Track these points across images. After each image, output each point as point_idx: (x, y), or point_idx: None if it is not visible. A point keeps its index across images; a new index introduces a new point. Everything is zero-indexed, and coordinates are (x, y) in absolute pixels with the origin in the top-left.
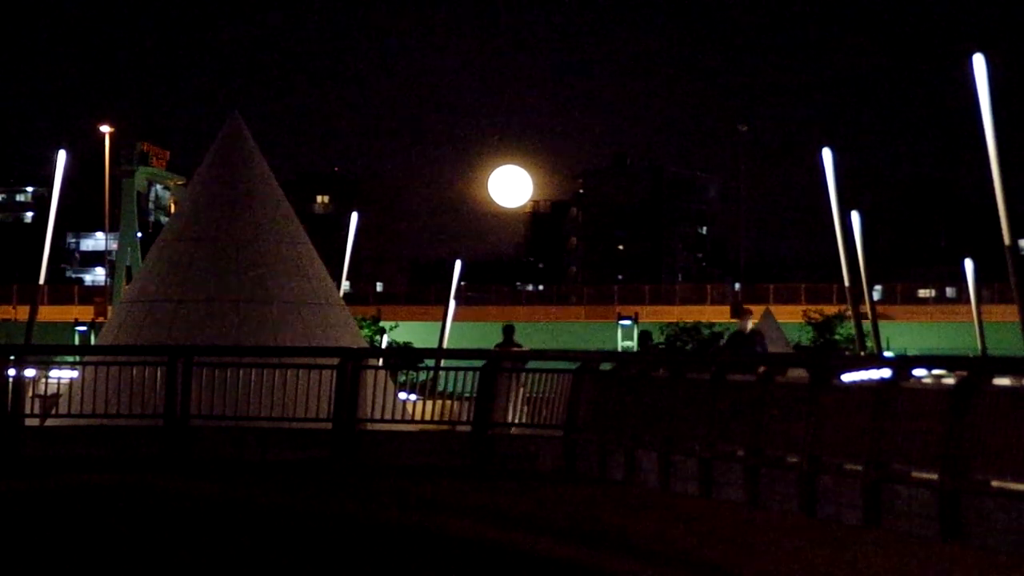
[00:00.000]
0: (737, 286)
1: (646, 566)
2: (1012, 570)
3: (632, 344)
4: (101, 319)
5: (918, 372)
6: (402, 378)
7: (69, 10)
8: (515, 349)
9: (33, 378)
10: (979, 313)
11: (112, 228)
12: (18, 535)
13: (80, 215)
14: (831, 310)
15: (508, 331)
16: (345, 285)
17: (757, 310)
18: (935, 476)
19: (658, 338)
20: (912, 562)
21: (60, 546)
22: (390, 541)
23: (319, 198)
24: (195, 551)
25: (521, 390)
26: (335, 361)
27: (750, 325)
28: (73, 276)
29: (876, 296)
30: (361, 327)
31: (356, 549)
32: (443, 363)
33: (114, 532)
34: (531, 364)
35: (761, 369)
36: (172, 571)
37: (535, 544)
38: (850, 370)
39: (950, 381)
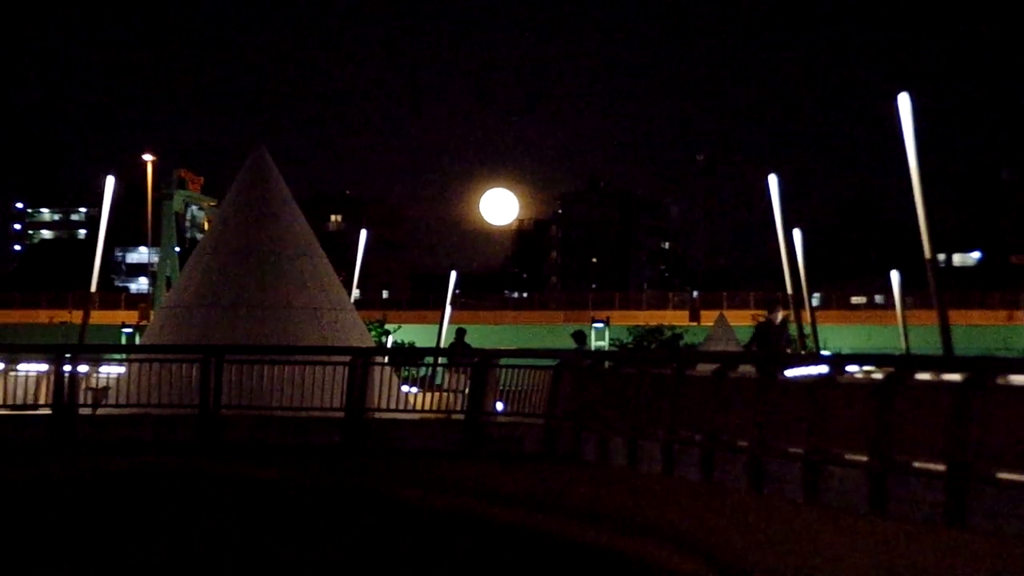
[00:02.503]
0: (695, 293)
1: (613, 535)
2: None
3: (604, 344)
4: (144, 322)
5: (851, 368)
6: (405, 373)
7: (116, 55)
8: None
9: (86, 373)
10: (903, 317)
11: (154, 243)
12: (73, 509)
13: (126, 232)
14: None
15: (460, 333)
16: (355, 293)
17: (712, 315)
18: (864, 458)
19: (627, 339)
20: (838, 528)
21: (109, 519)
22: (394, 514)
23: (332, 217)
24: (227, 522)
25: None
26: (347, 359)
27: (780, 316)
28: (120, 285)
29: (815, 302)
30: (369, 329)
31: (364, 521)
32: (440, 360)
33: (156, 506)
34: (518, 360)
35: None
36: (208, 538)
37: (518, 517)
38: (792, 367)
39: (878, 376)
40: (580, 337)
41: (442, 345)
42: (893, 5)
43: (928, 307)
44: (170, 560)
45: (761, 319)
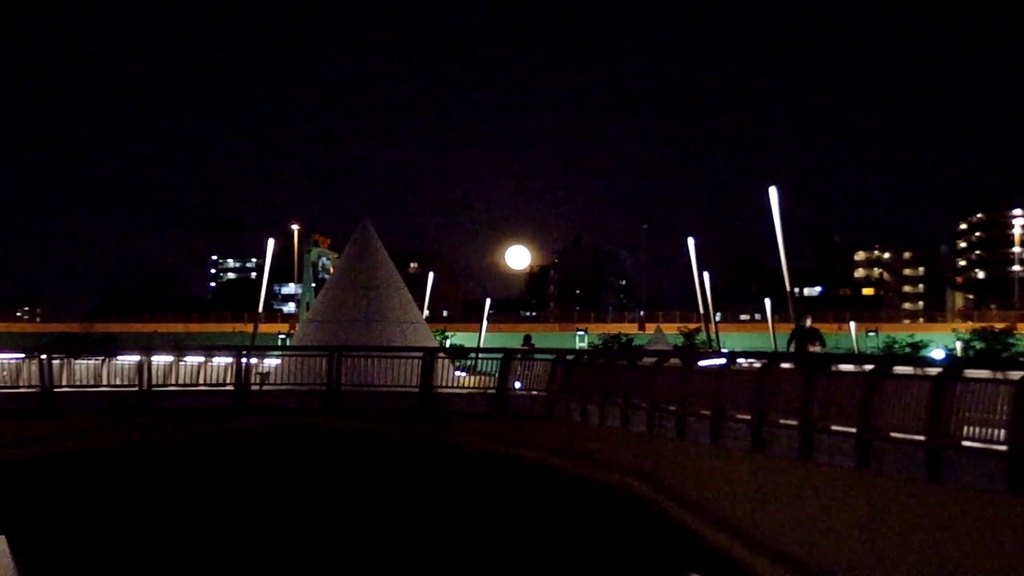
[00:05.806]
0: (642, 313)
1: (589, 466)
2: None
3: (585, 345)
4: (292, 331)
5: (740, 360)
6: (457, 363)
7: (273, 152)
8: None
9: (256, 363)
10: (773, 328)
11: (299, 281)
12: (252, 447)
13: (282, 274)
14: (693, 326)
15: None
16: (426, 312)
17: (652, 327)
18: (749, 417)
19: (598, 342)
20: (731, 462)
21: (275, 452)
22: (449, 451)
23: (411, 264)
24: (346, 455)
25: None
26: (420, 354)
27: (808, 322)
28: (277, 307)
29: (717, 318)
30: (435, 336)
31: (429, 455)
32: (480, 355)
33: (302, 446)
34: (529, 355)
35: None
36: (332, 462)
37: (528, 454)
38: (704, 359)
39: (757, 365)
40: (527, 339)
41: (481, 344)
42: (771, 111)
43: (788, 321)
44: (301, 469)
45: (684, 330)
